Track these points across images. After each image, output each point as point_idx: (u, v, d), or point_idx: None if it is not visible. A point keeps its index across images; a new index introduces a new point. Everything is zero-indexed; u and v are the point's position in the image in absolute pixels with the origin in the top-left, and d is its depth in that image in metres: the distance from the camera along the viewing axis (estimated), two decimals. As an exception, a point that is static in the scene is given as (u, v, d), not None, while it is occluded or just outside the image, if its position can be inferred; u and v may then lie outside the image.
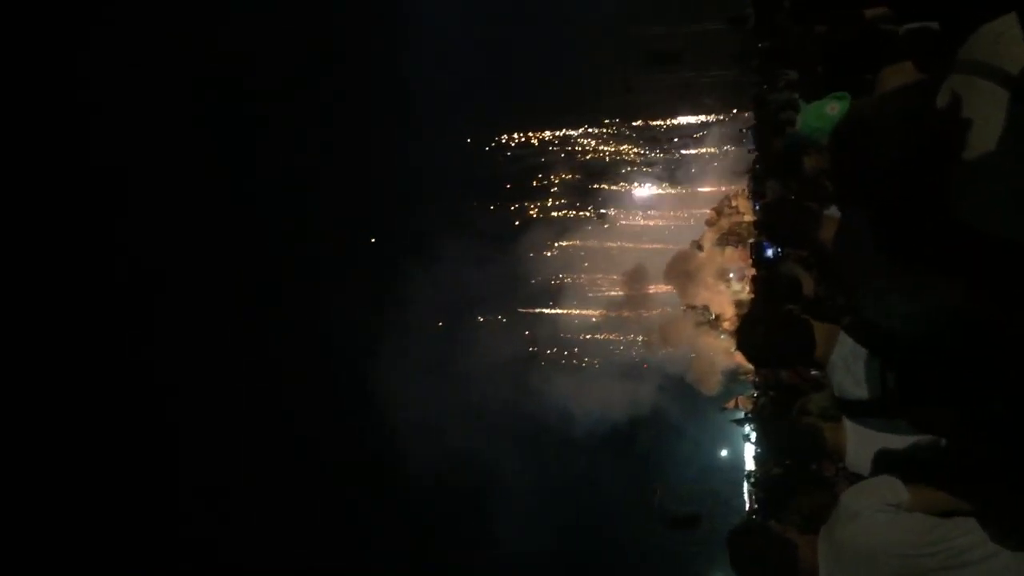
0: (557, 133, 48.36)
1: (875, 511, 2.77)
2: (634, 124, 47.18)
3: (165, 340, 46.93)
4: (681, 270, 34.13)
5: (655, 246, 40.02)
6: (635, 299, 37.14)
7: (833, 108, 3.97)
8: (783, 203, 4.48)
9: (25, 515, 41.03)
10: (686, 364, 34.00)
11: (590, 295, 41.83)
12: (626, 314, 38.19)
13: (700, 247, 33.26)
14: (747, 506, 28.97)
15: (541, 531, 42.00)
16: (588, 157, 48.10)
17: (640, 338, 37.14)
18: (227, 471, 44.39)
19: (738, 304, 29.75)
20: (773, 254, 13.26)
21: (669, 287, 35.00)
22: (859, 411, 3.25)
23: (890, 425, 3.14)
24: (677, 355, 34.27)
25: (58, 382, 44.32)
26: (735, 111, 40.75)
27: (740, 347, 3.62)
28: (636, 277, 37.59)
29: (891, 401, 2.93)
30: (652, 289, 37.06)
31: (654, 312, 36.34)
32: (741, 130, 36.14)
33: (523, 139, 48.51)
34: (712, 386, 33.35)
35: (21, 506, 41.07)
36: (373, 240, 49.00)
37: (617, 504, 41.89)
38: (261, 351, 46.20)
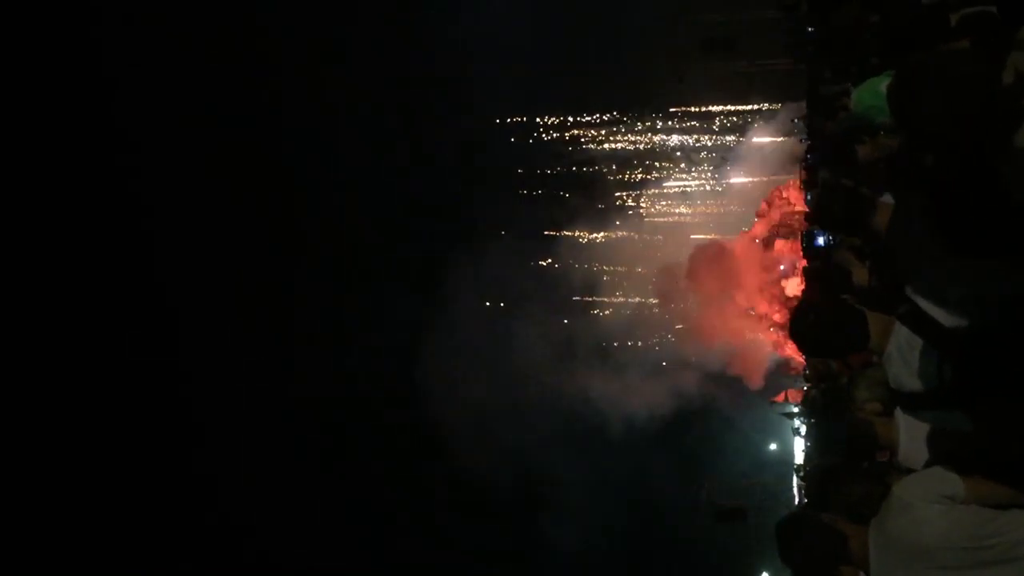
0: (607, 123, 48.14)
1: (930, 503, 2.72)
2: (685, 113, 46.80)
3: (208, 335, 47.36)
4: (703, 263, 33.80)
5: (703, 236, 39.64)
6: (676, 292, 36.68)
7: (888, 85, 3.89)
8: (836, 189, 4.39)
9: (59, 508, 41.92)
10: (728, 357, 33.66)
11: (635, 287, 41.52)
12: (669, 306, 37.80)
13: (752, 239, 32.93)
14: (796, 500, 28.66)
15: (590, 526, 41.94)
16: (637, 147, 47.83)
17: (675, 332, 36.71)
18: (267, 469, 44.74)
19: (788, 297, 29.41)
20: (824, 243, 13.02)
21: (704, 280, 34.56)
22: (915, 403, 3.18)
23: (946, 417, 3.07)
24: (716, 349, 33.90)
25: (87, 387, 44.89)
26: (787, 100, 40.20)
27: (793, 337, 3.57)
28: (676, 271, 37.16)
29: (948, 392, 2.87)
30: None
31: (693, 306, 35.87)
32: (793, 120, 35.65)
33: (573, 128, 48.38)
34: (756, 379, 33.01)
35: (50, 499, 41.99)
36: (417, 232, 49.06)
37: (666, 498, 41.64)
38: (303, 352, 46.56)
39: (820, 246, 13.31)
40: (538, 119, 48.03)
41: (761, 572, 35.76)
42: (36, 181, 46.72)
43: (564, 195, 47.87)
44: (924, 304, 2.92)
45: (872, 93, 3.95)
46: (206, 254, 47.91)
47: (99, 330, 46.17)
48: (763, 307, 32.30)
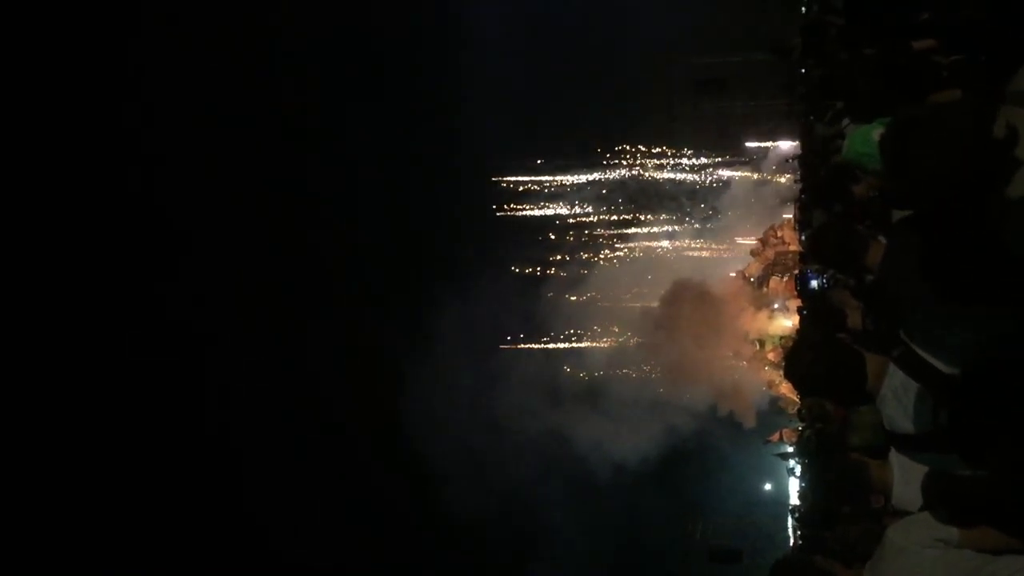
0: (598, 162, 48.35)
1: (923, 547, 2.72)
2: (677, 152, 47.07)
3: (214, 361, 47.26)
4: (681, 301, 33.82)
5: (697, 278, 39.70)
6: (660, 331, 36.48)
7: (880, 134, 3.92)
8: (830, 226, 4.43)
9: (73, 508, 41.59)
10: (718, 396, 33.54)
11: (623, 326, 41.25)
12: (654, 345, 37.51)
13: (747, 278, 33.02)
14: (791, 541, 28.43)
15: (581, 566, 41.50)
16: (628, 185, 47.99)
17: (664, 371, 36.40)
18: (269, 470, 44.26)
19: (783, 336, 29.44)
20: (818, 285, 13.09)
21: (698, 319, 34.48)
22: (909, 445, 3.18)
23: (941, 460, 3.07)
24: (706, 388, 33.73)
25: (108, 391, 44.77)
26: (781, 140, 40.52)
27: (789, 376, 3.57)
28: (659, 309, 37.02)
29: (943, 436, 2.87)
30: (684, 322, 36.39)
31: (679, 344, 35.68)
32: (787, 160, 35.91)
33: (563, 167, 48.60)
34: (749, 417, 32.88)
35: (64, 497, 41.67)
36: (400, 268, 48.97)
37: (659, 538, 41.26)
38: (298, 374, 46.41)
39: (813, 288, 13.38)
40: (528, 162, 48.27)
41: (755, 614, 35.43)
42: (42, 181, 46.89)
43: (549, 236, 47.95)
44: (919, 347, 2.93)
45: (863, 141, 3.98)
46: (216, 257, 47.97)
47: (104, 331, 46.11)
48: (749, 348, 32.26)
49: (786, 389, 29.33)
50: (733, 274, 35.21)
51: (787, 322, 29.09)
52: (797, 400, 22.87)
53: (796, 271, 21.75)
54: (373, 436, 43.97)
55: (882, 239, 4.06)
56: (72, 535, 41.70)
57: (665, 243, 46.20)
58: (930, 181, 2.18)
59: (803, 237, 22.81)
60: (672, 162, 47.22)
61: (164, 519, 43.18)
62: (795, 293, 22.72)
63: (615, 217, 47.79)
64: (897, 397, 3.09)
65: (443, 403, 38.45)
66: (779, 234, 32.58)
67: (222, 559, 41.82)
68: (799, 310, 17.15)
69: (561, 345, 43.45)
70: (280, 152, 49.63)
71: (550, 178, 48.51)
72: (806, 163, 20.72)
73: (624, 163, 47.81)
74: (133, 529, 42.09)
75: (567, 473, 39.00)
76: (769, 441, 31.62)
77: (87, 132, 47.58)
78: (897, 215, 3.75)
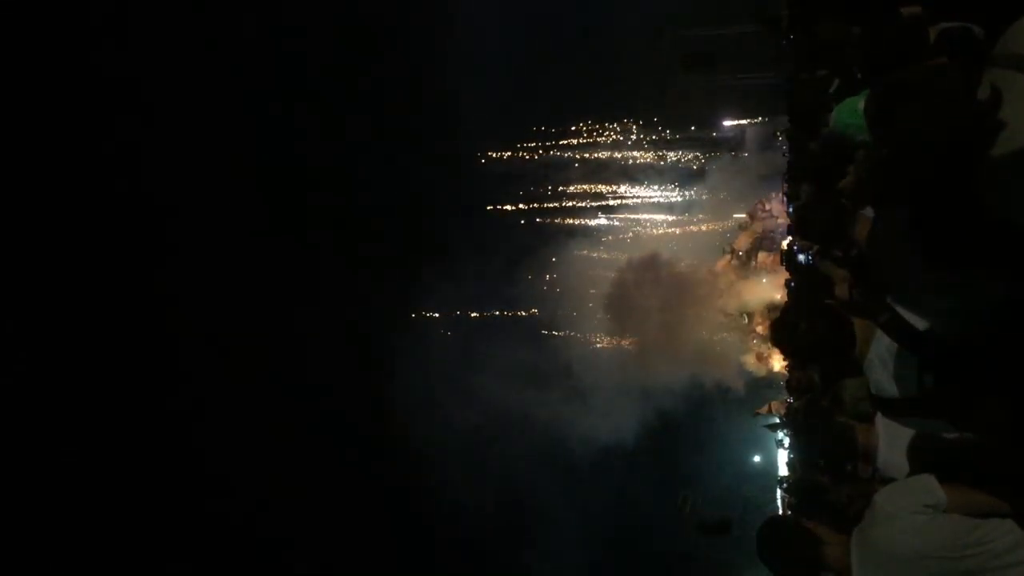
0: (585, 136, 48.12)
1: (912, 513, 2.74)
2: (665, 128, 46.94)
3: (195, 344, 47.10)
4: (644, 276, 33.93)
5: (681, 253, 39.67)
6: (634, 307, 36.47)
7: (866, 102, 3.92)
8: (817, 201, 4.44)
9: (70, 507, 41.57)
10: (703, 369, 33.68)
11: (607, 305, 41.07)
12: (631, 321, 37.47)
13: (735, 251, 33.05)
14: (780, 511, 28.71)
15: (572, 543, 41.73)
16: (615, 161, 47.80)
17: (649, 347, 36.37)
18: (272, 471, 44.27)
19: (771, 307, 29.54)
20: (804, 260, 13.10)
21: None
22: (895, 410, 3.21)
23: (927, 425, 3.10)
24: (687, 363, 33.83)
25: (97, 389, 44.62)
26: (769, 115, 40.39)
27: (777, 343, 3.59)
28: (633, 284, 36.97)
29: (928, 400, 2.89)
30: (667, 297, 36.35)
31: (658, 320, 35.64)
32: (775, 134, 35.86)
33: (549, 141, 48.36)
34: (737, 384, 33.11)
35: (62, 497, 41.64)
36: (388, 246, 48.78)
37: (648, 512, 41.53)
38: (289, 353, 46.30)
39: (799, 263, 13.38)
40: (518, 143, 47.98)
41: (745, 584, 35.80)
42: (47, 180, 46.54)
43: (535, 211, 47.77)
44: (905, 313, 2.95)
45: (850, 111, 3.99)
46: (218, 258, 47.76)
47: (112, 333, 45.92)
48: (736, 321, 32.33)
49: (775, 361, 29.50)
50: (726, 249, 35.19)
51: (776, 294, 29.18)
52: (785, 372, 23.04)
53: (783, 249, 21.78)
54: (360, 421, 44.03)
55: (869, 212, 4.07)
56: (65, 534, 41.74)
57: (650, 218, 46.10)
58: (915, 142, 2.18)
59: (791, 210, 22.85)
60: (660, 138, 47.10)
61: (166, 521, 43.22)
62: (783, 266, 22.78)
63: (595, 193, 47.61)
64: (883, 362, 3.11)
65: (420, 383, 38.37)
66: (767, 207, 32.61)
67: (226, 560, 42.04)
68: (787, 282, 17.20)
69: (544, 324, 43.34)
70: (257, 129, 49.24)
71: (534, 155, 48.33)
72: (793, 136, 20.69)
73: (610, 139, 47.65)
74: (131, 531, 42.03)
75: (553, 453, 39.11)
76: (758, 413, 31.82)
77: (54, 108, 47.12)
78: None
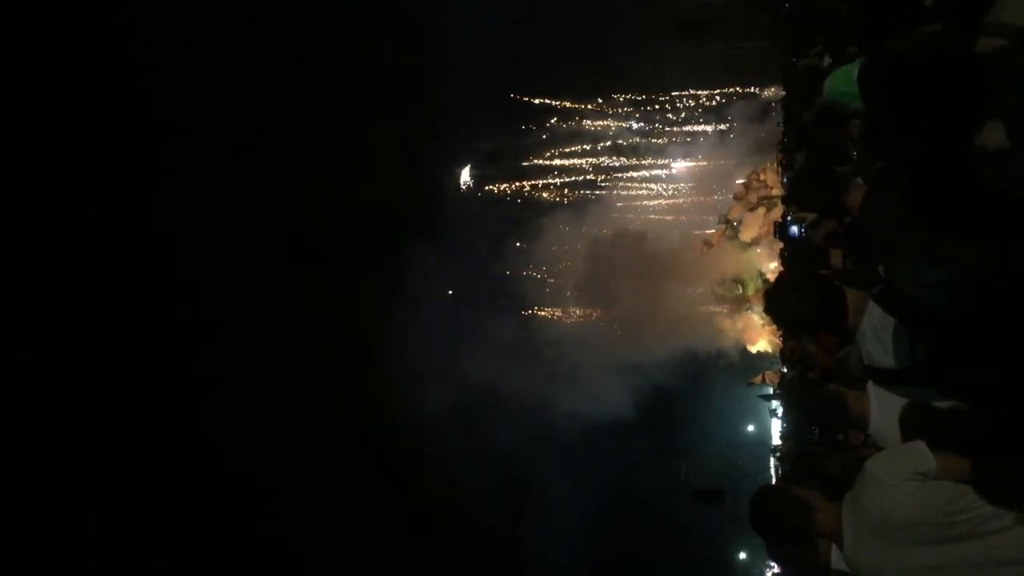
0: (579, 106, 47.84)
1: (903, 480, 2.76)
2: (659, 97, 46.66)
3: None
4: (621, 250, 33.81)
5: (675, 225, 39.65)
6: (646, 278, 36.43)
7: (859, 70, 3.90)
8: (811, 170, 4.43)
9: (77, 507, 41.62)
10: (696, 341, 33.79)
11: (599, 280, 40.93)
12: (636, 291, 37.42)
13: (729, 221, 33.01)
14: (774, 481, 28.95)
15: (568, 515, 41.94)
16: (609, 131, 47.57)
17: (641, 319, 36.34)
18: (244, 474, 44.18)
19: (763, 276, 29.58)
20: (797, 232, 13.10)
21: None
22: (887, 380, 3.23)
23: (918, 394, 3.12)
24: (677, 334, 33.91)
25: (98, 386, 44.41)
26: (764, 85, 40.26)
27: (771, 313, 3.60)
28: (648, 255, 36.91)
29: (921, 371, 2.91)
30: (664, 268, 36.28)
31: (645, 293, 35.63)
32: (770, 103, 35.73)
33: (542, 111, 48.05)
34: (732, 354, 33.22)
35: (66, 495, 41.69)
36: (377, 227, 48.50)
37: (644, 482, 41.73)
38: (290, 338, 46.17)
39: (793, 235, 13.39)
40: (515, 98, 47.58)
41: (739, 552, 36.17)
42: (51, 180, 46.25)
43: (528, 183, 47.58)
44: (899, 284, 2.96)
45: (844, 79, 3.96)
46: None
47: (112, 333, 45.72)
48: (729, 291, 32.36)
49: (768, 332, 29.58)
50: (719, 220, 35.16)
51: (771, 263, 29.19)
52: (779, 343, 23.11)
53: (776, 221, 21.76)
54: (356, 397, 43.98)
55: (861, 181, 4.06)
56: (64, 533, 41.74)
57: (645, 190, 45.98)
58: (908, 109, 2.18)
59: (785, 180, 22.83)
60: (654, 108, 46.88)
61: (172, 522, 43.13)
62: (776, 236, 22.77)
63: (590, 163, 47.42)
64: (876, 333, 3.13)
65: (414, 362, 38.37)
66: (762, 178, 32.53)
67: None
68: (781, 252, 17.20)
69: (535, 303, 43.28)
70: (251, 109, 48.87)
71: (527, 127, 48.10)
72: (788, 105, 20.63)
73: (604, 111, 47.42)
74: (137, 532, 41.99)
75: (549, 426, 39.15)
76: (752, 383, 31.98)
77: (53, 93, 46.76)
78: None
